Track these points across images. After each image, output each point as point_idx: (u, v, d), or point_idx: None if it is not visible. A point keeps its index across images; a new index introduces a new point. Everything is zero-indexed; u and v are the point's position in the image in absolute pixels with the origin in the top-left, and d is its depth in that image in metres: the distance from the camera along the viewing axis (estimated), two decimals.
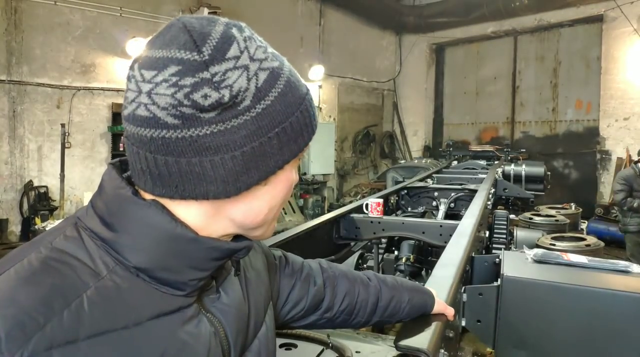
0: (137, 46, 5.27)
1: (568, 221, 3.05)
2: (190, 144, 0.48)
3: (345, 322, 0.90)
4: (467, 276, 1.52)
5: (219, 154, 0.49)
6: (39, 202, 5.17)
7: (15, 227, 5.16)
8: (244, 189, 0.52)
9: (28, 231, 5.04)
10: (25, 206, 5.16)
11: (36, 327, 0.42)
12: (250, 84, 0.49)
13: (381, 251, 2.57)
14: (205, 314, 0.56)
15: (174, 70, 0.47)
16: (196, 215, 0.53)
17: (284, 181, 0.56)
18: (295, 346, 1.13)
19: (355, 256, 2.44)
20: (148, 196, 0.52)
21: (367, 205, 2.44)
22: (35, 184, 5.21)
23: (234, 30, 0.50)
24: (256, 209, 0.56)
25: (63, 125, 5.20)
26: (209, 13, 5.72)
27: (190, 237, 0.52)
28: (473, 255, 1.66)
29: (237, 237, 0.59)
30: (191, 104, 0.47)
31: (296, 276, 0.83)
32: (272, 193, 0.56)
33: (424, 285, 1.04)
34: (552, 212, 3.32)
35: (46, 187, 5.27)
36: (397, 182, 4.28)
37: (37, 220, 5.02)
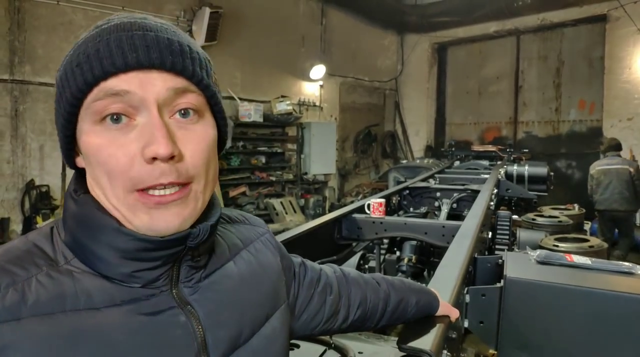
0: None
1: (571, 221, 3.05)
2: None
3: (356, 328, 0.89)
4: (469, 277, 1.52)
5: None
6: (40, 201, 5.15)
7: (16, 226, 5.15)
8: (62, 135, 0.54)
9: (29, 230, 4.98)
10: (27, 205, 5.15)
11: None
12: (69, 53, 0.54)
13: (383, 251, 2.56)
14: (180, 305, 0.55)
15: None
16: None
17: (86, 145, 0.51)
18: (298, 346, 1.13)
19: (357, 257, 2.43)
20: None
21: (369, 205, 2.44)
22: (37, 183, 5.20)
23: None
24: (93, 174, 0.53)
25: None
26: (210, 13, 5.71)
27: (113, 227, 0.51)
28: (476, 256, 1.65)
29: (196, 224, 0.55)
30: None
31: (314, 287, 0.81)
32: (91, 161, 0.52)
33: (426, 286, 1.03)
34: (555, 212, 3.31)
35: (48, 186, 5.26)
36: (398, 182, 4.27)
37: (39, 219, 5.02)
